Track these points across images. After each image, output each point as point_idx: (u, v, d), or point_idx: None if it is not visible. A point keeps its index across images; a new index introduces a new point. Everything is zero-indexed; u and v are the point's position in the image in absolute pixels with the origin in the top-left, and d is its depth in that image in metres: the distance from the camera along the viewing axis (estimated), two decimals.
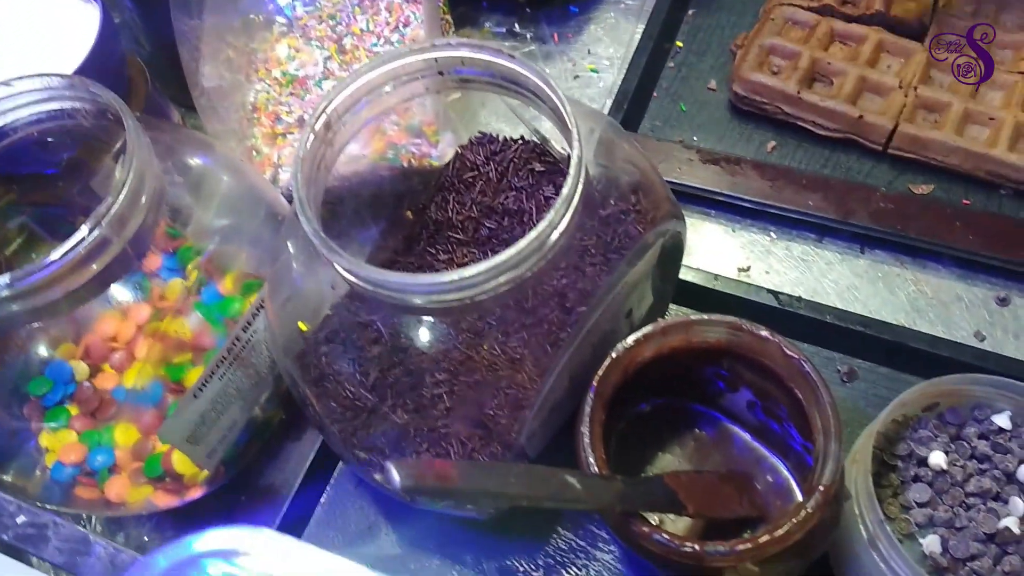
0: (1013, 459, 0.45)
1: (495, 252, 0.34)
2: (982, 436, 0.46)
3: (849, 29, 0.61)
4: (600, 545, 0.50)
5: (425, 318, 0.42)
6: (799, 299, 0.54)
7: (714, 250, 0.59)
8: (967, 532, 0.44)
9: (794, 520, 0.36)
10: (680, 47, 0.67)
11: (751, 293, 0.54)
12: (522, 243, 0.34)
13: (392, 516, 0.53)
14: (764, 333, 0.39)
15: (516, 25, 0.70)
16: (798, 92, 0.58)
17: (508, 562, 0.51)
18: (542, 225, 0.34)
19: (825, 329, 0.53)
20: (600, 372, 0.39)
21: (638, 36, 0.65)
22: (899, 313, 0.55)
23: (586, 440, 0.38)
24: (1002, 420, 0.46)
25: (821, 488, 0.36)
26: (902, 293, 0.56)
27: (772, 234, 0.59)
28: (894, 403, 0.44)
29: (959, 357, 0.50)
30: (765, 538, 0.35)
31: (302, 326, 0.41)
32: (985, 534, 0.44)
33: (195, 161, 0.52)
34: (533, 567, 0.50)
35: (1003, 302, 0.54)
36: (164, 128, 0.55)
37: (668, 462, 0.47)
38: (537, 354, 0.40)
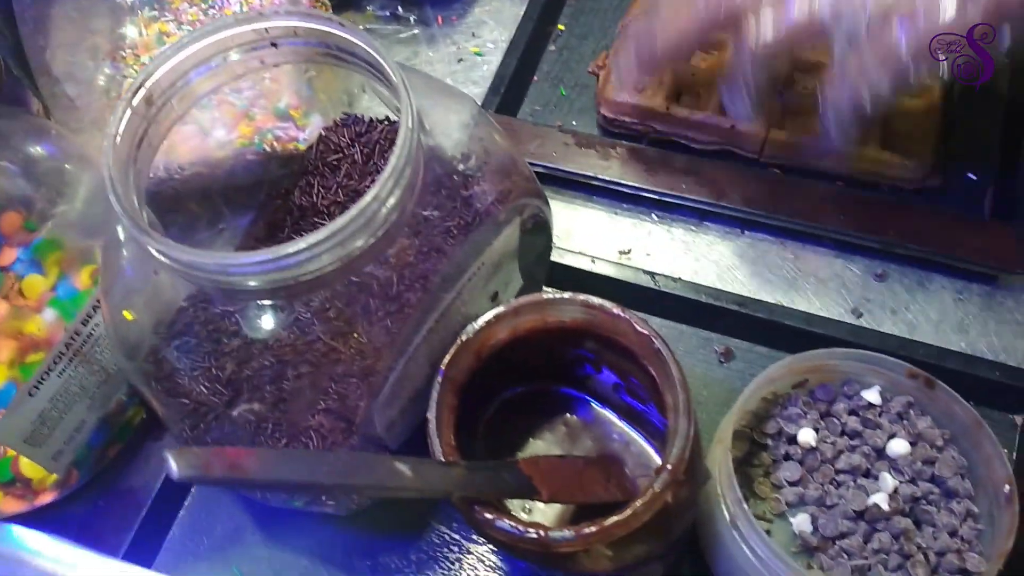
0: (883, 434, 0.44)
1: None
2: (852, 412, 0.46)
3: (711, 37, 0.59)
4: (475, 537, 0.49)
5: (270, 303, 0.39)
6: (676, 280, 0.53)
7: (596, 234, 0.58)
8: (837, 510, 0.43)
9: (640, 502, 0.34)
10: (562, 30, 0.65)
11: (629, 275, 0.53)
12: (343, 219, 0.32)
13: (259, 516, 0.50)
14: (616, 310, 0.38)
15: (399, 8, 0.68)
16: (667, 108, 0.57)
17: (380, 559, 0.49)
18: (366, 199, 0.33)
19: (702, 309, 0.52)
20: (448, 356, 0.38)
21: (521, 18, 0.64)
22: (778, 293, 0.54)
23: (432, 426, 0.36)
24: (871, 395, 0.45)
25: (668, 467, 0.35)
26: (781, 273, 0.55)
27: (654, 217, 0.58)
28: (758, 380, 0.43)
29: (834, 334, 0.50)
30: (611, 520, 0.34)
31: (127, 315, 0.39)
32: (855, 511, 0.43)
33: (40, 151, 0.50)
34: (406, 563, 0.49)
35: (880, 278, 0.54)
36: (9, 117, 0.52)
37: (539, 449, 0.46)
38: (388, 339, 0.38)
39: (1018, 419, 0.49)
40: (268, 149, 0.54)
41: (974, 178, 0.56)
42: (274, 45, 0.38)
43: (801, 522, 0.43)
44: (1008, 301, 0.53)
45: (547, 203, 0.46)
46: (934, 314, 0.53)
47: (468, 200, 0.41)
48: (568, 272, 0.53)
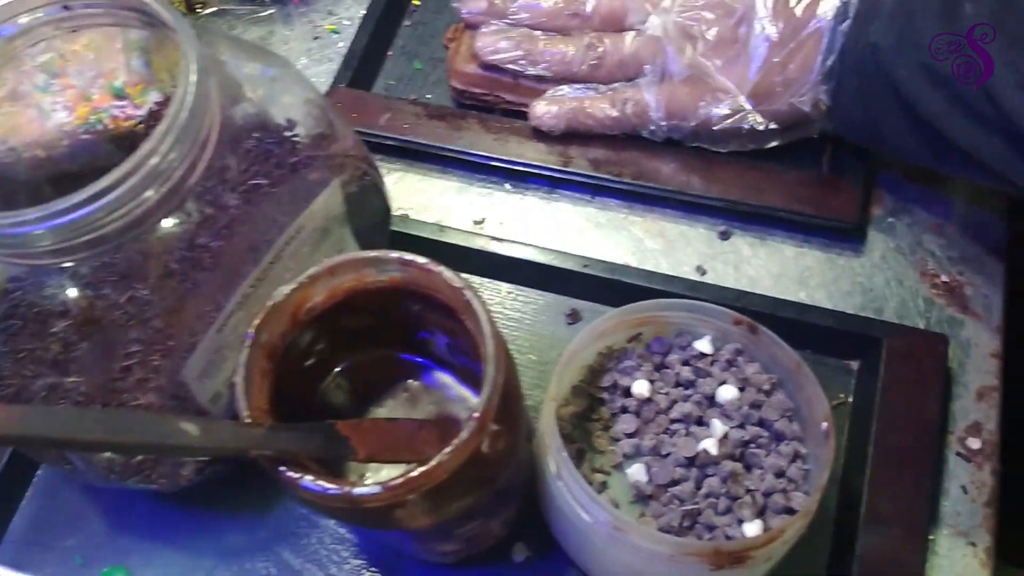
0: (713, 382, 0.45)
1: None
2: (685, 363, 0.46)
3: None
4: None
5: (70, 269, 0.38)
6: (525, 245, 0.53)
7: (450, 205, 0.58)
8: (670, 459, 0.44)
9: (445, 451, 0.34)
10: (418, 5, 0.65)
11: (479, 243, 0.53)
12: (121, 168, 0.32)
13: (100, 502, 0.49)
14: (429, 265, 0.38)
15: None
16: (515, 79, 0.57)
17: (227, 538, 0.48)
18: (143, 149, 0.32)
19: (550, 273, 0.53)
20: (258, 319, 0.37)
21: None
22: (627, 255, 0.55)
23: (238, 389, 0.36)
24: (703, 345, 0.46)
25: (476, 415, 0.35)
26: (631, 236, 0.56)
27: (508, 187, 0.58)
28: (585, 332, 0.44)
29: (676, 290, 0.50)
30: (416, 472, 0.34)
31: None
32: (686, 458, 0.44)
33: None
34: (253, 541, 0.48)
35: (724, 236, 0.55)
36: None
37: (379, 416, 0.46)
38: (193, 305, 0.38)
39: (853, 364, 0.50)
40: (103, 128, 0.53)
41: (814, 136, 0.57)
42: (67, 8, 0.37)
43: (636, 472, 0.44)
44: (847, 252, 0.54)
45: (374, 167, 0.46)
46: (775, 268, 0.54)
47: (282, 162, 0.40)
48: (417, 242, 0.53)
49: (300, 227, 0.41)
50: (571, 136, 0.56)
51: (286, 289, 0.38)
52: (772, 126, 0.52)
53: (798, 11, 0.50)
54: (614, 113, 0.54)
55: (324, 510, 0.36)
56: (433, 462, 0.34)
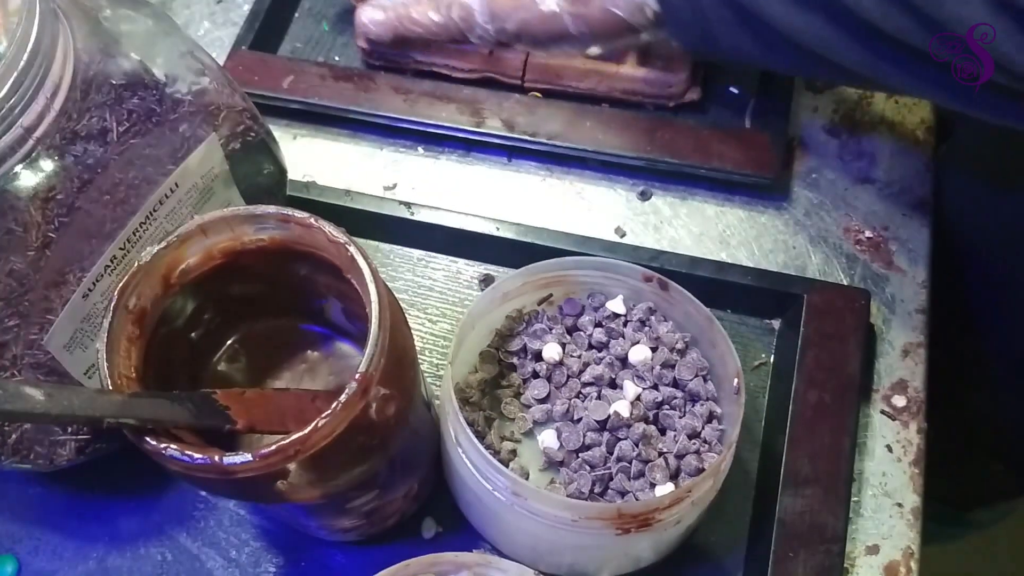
0: (626, 343, 0.43)
1: None
2: (598, 324, 0.44)
3: None
4: None
5: None
6: (433, 209, 0.51)
7: (360, 170, 0.55)
8: (582, 423, 0.42)
9: (322, 416, 0.32)
10: None
11: (388, 208, 0.51)
12: None
13: None
14: (310, 220, 0.36)
15: None
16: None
17: (119, 523, 0.45)
18: None
19: (462, 238, 0.50)
20: (122, 281, 0.34)
21: None
22: (546, 218, 0.53)
23: (100, 355, 0.33)
24: (616, 305, 0.44)
25: (356, 377, 0.32)
26: (549, 199, 0.54)
27: (421, 150, 0.56)
28: (488, 292, 0.42)
29: (591, 251, 0.48)
30: (290, 439, 0.31)
31: None
32: (597, 422, 0.42)
33: None
34: (147, 525, 0.45)
35: (644, 196, 0.53)
36: None
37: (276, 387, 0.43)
38: (51, 266, 0.35)
39: (775, 324, 0.49)
40: None
41: (735, 92, 0.56)
42: None
43: (546, 438, 0.42)
44: (769, 210, 0.52)
45: (262, 124, 0.43)
46: (696, 228, 0.52)
47: (156, 116, 0.38)
48: (322, 209, 0.51)
49: (175, 184, 0.38)
50: (484, 96, 0.54)
51: (154, 249, 0.35)
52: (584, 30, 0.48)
53: None
54: (438, 18, 0.51)
55: (200, 483, 0.34)
56: (308, 427, 0.32)
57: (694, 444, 0.41)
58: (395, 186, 0.54)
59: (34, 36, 0.31)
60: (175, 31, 0.40)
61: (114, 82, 0.36)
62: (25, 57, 0.31)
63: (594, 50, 0.49)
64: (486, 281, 0.50)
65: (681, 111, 0.55)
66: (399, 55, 0.56)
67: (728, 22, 0.43)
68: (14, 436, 0.40)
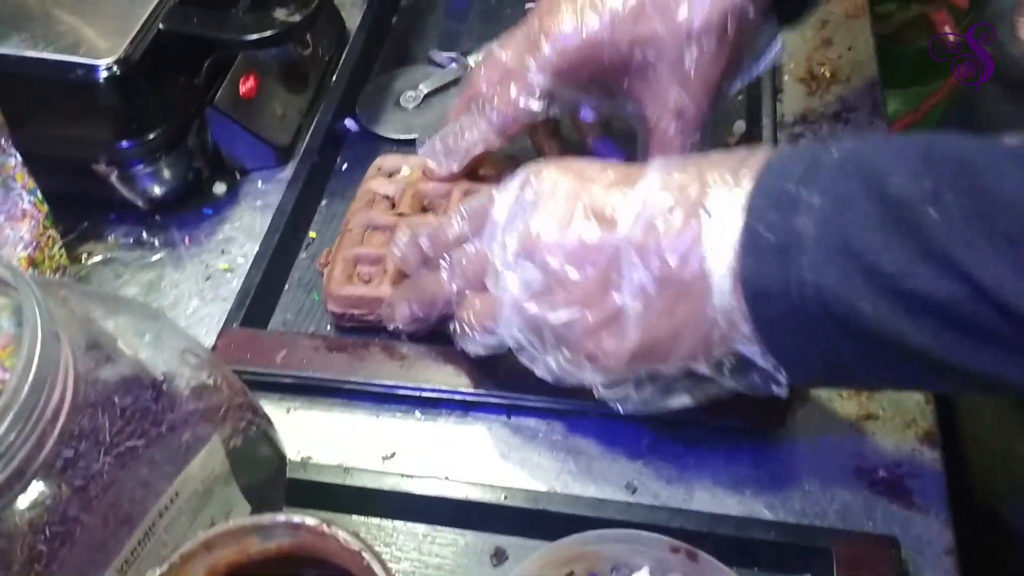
0: None
1: None
2: None
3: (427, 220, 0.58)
4: None
5: None
6: (440, 479, 0.49)
7: (357, 441, 0.53)
8: None
9: None
10: (314, 237, 0.64)
11: (388, 483, 0.49)
12: None
13: None
14: (322, 528, 0.34)
15: (144, 234, 0.65)
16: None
17: None
18: None
19: (468, 509, 0.48)
20: None
21: None
22: (551, 477, 0.51)
23: None
24: None
25: None
26: (551, 456, 0.52)
27: (418, 415, 0.55)
28: None
29: (606, 515, 0.46)
30: None
31: None
32: None
33: None
34: None
35: (651, 447, 0.52)
36: None
37: None
38: None
39: None
40: None
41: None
42: None
43: None
44: (779, 454, 0.51)
45: (263, 415, 0.42)
46: (708, 478, 0.51)
47: (158, 419, 0.36)
48: (318, 489, 0.49)
49: (175, 493, 0.36)
50: (483, 358, 0.54)
51: (155, 573, 0.33)
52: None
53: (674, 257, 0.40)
54: (421, 313, 0.52)
55: None
56: None
57: None
58: (393, 455, 0.53)
59: (35, 368, 0.30)
60: (172, 327, 0.40)
61: (118, 388, 0.35)
62: (27, 388, 0.30)
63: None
64: (498, 556, 0.48)
65: None
66: (370, 315, 0.56)
67: (874, 363, 0.39)
68: None
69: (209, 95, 0.63)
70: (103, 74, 0.57)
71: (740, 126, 0.66)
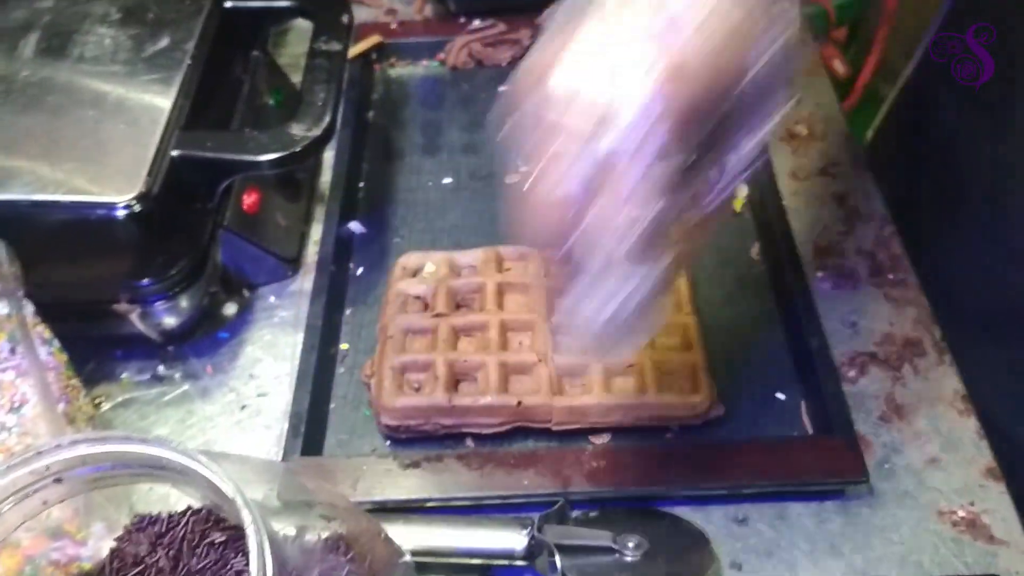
0: None
1: None
2: None
3: (469, 321, 0.59)
4: None
5: None
6: None
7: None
8: None
9: None
10: (347, 348, 0.62)
11: None
12: None
13: None
14: None
15: (160, 368, 0.62)
16: (450, 400, 0.55)
17: None
18: None
19: None
20: None
21: (300, 347, 0.60)
22: None
23: None
24: None
25: None
26: None
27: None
28: None
29: None
30: None
31: None
32: None
33: None
34: None
35: (743, 522, 0.53)
36: None
37: None
38: None
39: None
40: None
41: (782, 398, 0.58)
42: (59, 481, 0.31)
43: None
44: (864, 509, 0.53)
45: (410, 563, 0.40)
46: (804, 544, 0.52)
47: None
48: None
49: None
50: (555, 454, 0.53)
51: None
52: None
53: None
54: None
55: None
56: None
57: None
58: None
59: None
60: (318, 482, 0.38)
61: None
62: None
63: None
64: None
65: (707, 428, 0.56)
66: (426, 424, 0.56)
67: None
68: None
69: (217, 217, 0.61)
70: (122, 212, 0.54)
71: (743, 189, 0.69)
